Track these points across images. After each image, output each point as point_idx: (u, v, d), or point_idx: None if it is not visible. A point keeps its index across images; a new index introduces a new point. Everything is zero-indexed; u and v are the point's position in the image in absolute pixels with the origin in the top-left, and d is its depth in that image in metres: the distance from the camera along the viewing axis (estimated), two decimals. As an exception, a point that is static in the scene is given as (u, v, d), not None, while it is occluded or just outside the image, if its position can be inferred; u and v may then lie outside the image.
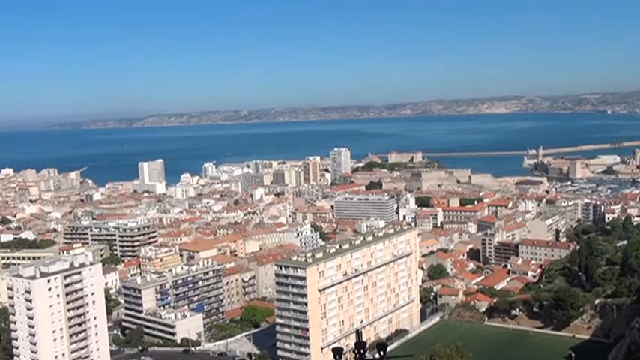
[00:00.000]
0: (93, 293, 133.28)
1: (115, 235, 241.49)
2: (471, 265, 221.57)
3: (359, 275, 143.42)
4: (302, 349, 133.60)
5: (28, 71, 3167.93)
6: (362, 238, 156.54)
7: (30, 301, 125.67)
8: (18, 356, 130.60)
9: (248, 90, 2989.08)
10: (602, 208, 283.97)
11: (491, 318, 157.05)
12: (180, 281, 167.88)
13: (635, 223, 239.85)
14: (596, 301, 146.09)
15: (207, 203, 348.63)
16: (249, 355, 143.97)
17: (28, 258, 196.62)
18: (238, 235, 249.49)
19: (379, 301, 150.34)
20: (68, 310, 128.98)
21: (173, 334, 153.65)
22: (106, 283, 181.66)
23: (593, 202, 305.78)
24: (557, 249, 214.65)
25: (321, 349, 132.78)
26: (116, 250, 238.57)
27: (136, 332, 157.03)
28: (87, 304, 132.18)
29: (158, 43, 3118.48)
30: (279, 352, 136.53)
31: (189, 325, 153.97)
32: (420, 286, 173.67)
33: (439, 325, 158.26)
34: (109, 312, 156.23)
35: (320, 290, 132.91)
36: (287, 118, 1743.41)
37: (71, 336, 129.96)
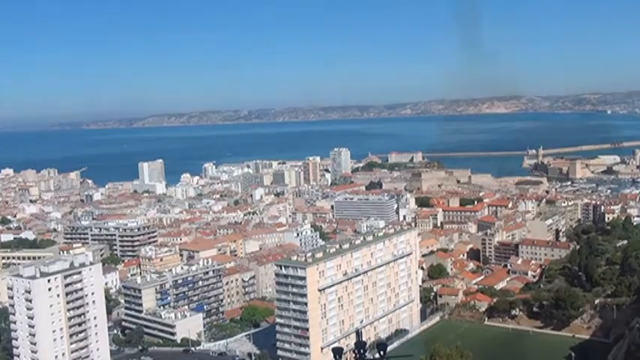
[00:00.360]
0: (93, 293, 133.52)
1: (115, 235, 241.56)
2: (471, 265, 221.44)
3: (359, 275, 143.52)
4: (302, 349, 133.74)
5: (29, 72, 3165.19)
6: (362, 238, 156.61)
7: (30, 301, 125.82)
8: (18, 356, 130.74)
9: (248, 90, 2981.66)
10: (602, 208, 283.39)
11: (491, 318, 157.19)
12: (180, 281, 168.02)
13: (635, 223, 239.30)
14: (596, 301, 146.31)
15: (207, 203, 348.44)
16: (249, 355, 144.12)
17: (28, 258, 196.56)
18: (238, 235, 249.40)
19: (379, 301, 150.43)
20: (68, 310, 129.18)
21: (173, 334, 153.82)
22: (106, 283, 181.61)
23: (593, 202, 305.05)
24: (557, 249, 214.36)
25: (321, 349, 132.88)
26: (116, 250, 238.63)
27: (136, 332, 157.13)
28: (87, 304, 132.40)
29: (158, 43, 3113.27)
30: (279, 352, 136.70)
31: (189, 325, 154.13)
32: (420, 286, 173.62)
33: (439, 325, 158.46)
34: (109, 312, 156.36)
35: (320, 290, 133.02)
36: (287, 118, 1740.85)
37: (71, 336, 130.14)
